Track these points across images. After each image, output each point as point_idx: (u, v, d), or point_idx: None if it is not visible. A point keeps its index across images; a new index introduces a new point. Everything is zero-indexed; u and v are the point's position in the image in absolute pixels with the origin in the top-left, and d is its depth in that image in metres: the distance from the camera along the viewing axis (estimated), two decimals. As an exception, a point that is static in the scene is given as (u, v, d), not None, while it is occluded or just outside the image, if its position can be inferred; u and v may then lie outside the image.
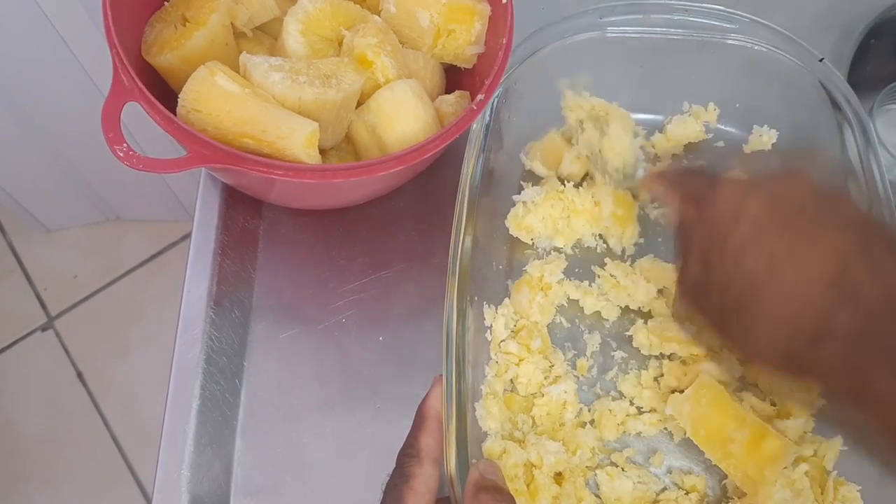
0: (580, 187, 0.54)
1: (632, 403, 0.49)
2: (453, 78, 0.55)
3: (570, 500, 0.45)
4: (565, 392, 0.48)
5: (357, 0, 0.52)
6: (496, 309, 0.50)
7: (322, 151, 0.47)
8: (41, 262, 1.39)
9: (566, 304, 0.52)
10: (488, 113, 0.51)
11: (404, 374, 0.50)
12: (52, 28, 0.90)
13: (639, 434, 0.49)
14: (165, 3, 0.49)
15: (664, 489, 0.47)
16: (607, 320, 0.52)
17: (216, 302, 0.51)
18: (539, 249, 0.54)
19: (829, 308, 0.34)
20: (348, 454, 0.48)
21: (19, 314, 1.35)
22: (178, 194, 1.29)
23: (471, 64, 0.54)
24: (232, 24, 0.49)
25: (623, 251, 0.54)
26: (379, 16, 0.51)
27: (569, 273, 0.53)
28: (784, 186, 0.38)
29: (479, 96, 0.46)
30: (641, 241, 0.54)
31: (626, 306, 0.52)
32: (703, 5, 0.54)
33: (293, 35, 0.48)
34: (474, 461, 0.41)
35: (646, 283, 0.51)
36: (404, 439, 0.41)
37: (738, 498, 0.46)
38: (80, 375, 1.31)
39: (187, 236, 1.11)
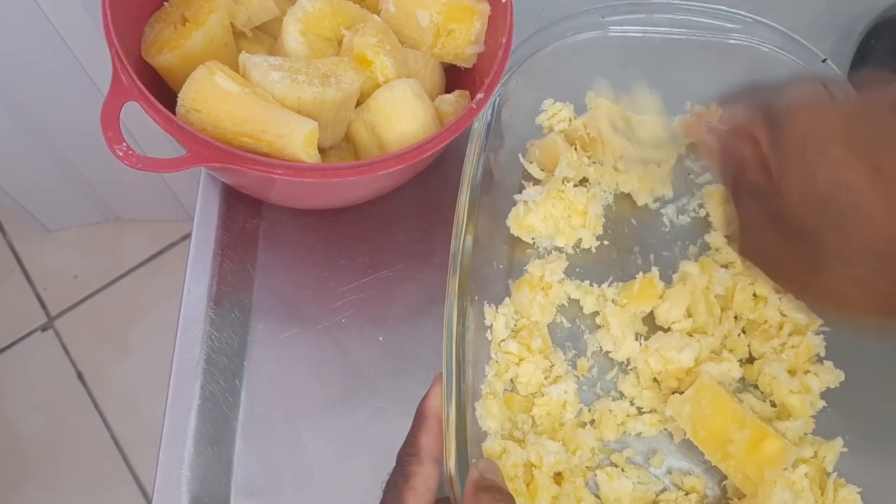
0: (581, 186, 0.53)
1: (632, 404, 0.49)
2: (453, 77, 0.55)
3: (570, 501, 0.45)
4: (565, 392, 0.48)
5: (356, 0, 0.52)
6: (496, 308, 0.50)
7: (321, 151, 0.47)
8: (41, 262, 1.39)
9: (567, 304, 0.52)
10: (490, 112, 0.51)
11: (404, 374, 0.50)
12: (52, 28, 0.90)
13: (639, 434, 0.48)
14: (165, 3, 0.49)
15: (664, 490, 0.47)
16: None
17: (216, 302, 0.51)
18: (540, 249, 0.54)
19: None
20: (348, 454, 0.48)
21: (19, 314, 1.35)
22: (178, 194, 1.29)
23: (470, 63, 0.53)
24: (231, 23, 0.48)
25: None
26: (378, 15, 0.51)
27: (569, 273, 0.53)
28: (863, 106, 0.34)
29: (479, 95, 0.46)
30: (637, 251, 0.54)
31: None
32: (706, 5, 0.54)
33: (292, 35, 0.48)
34: (474, 461, 0.41)
35: (633, 339, 0.50)
36: (404, 438, 0.41)
37: (738, 499, 0.46)
38: (80, 375, 1.31)
39: (187, 236, 1.11)
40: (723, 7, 0.54)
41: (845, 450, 0.46)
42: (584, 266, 0.54)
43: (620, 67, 0.56)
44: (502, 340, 0.49)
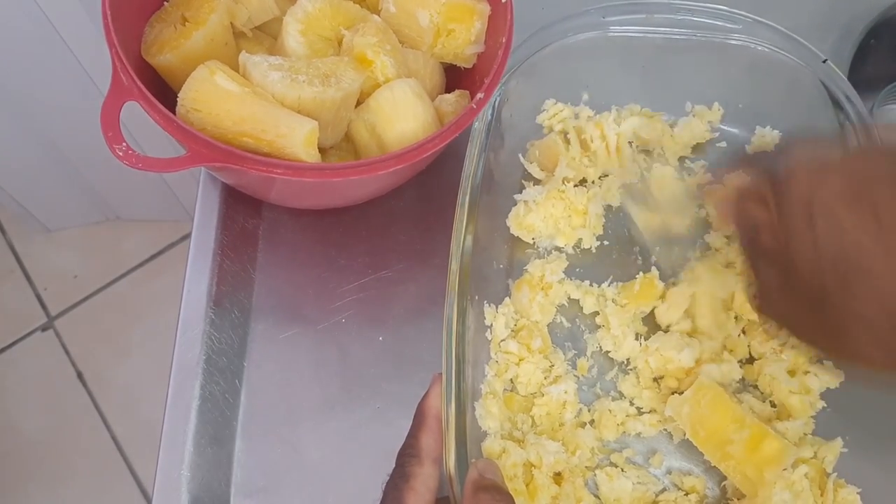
0: (582, 186, 0.53)
1: (632, 404, 0.49)
2: (453, 77, 0.55)
3: (570, 501, 0.45)
4: (565, 392, 0.48)
5: (356, 0, 0.52)
6: (496, 308, 0.50)
7: (321, 150, 0.47)
8: (41, 262, 1.39)
9: (567, 304, 0.52)
10: (490, 112, 0.51)
11: (404, 374, 0.50)
12: (52, 28, 0.90)
13: (638, 434, 0.48)
14: (165, 3, 0.49)
15: (663, 490, 0.47)
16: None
17: (216, 302, 0.51)
18: (540, 249, 0.54)
19: None
20: (348, 454, 0.48)
21: (19, 314, 1.35)
22: (178, 194, 1.29)
23: (470, 63, 0.53)
24: (231, 23, 0.48)
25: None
26: (378, 15, 0.51)
27: (569, 273, 0.53)
28: (863, 163, 0.34)
29: (479, 95, 0.46)
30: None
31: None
32: (706, 5, 0.54)
33: (293, 35, 0.48)
34: (473, 460, 0.41)
35: (633, 339, 0.50)
36: (404, 439, 0.41)
37: (738, 499, 0.46)
38: (80, 375, 1.31)
39: (187, 236, 1.11)
40: (723, 7, 0.54)
41: (845, 450, 0.46)
42: (584, 266, 0.54)
43: (621, 67, 0.56)
44: (502, 340, 0.49)
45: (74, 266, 1.39)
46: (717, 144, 0.58)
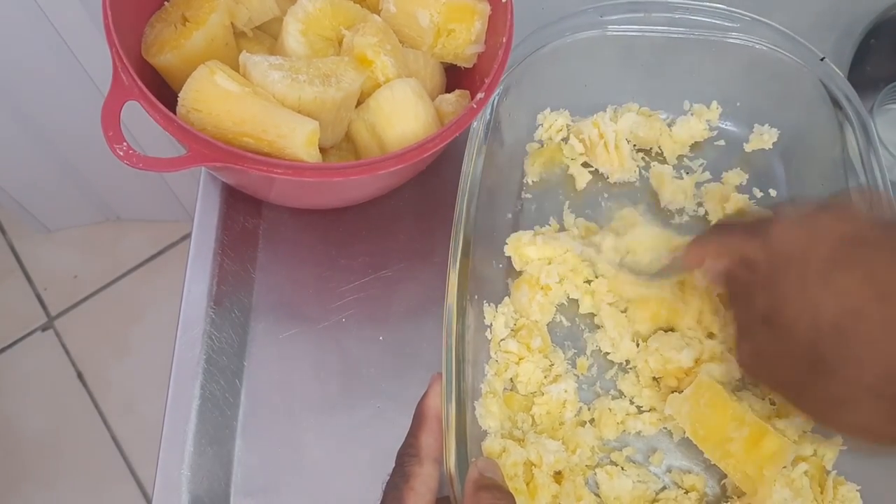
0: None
1: (632, 402, 0.49)
2: (453, 77, 0.55)
3: (570, 499, 0.45)
4: (565, 391, 0.48)
5: (357, 0, 0.52)
6: (496, 307, 0.50)
7: (322, 150, 0.47)
8: (41, 262, 1.39)
9: (566, 303, 0.52)
10: (489, 111, 0.51)
11: (404, 374, 0.50)
12: (52, 28, 0.90)
13: (638, 433, 0.48)
14: (165, 2, 0.49)
15: (664, 488, 0.47)
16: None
17: (216, 302, 0.51)
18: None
19: None
20: (348, 454, 0.48)
21: (19, 314, 1.35)
22: (178, 194, 1.29)
23: (471, 63, 0.54)
24: (232, 23, 0.48)
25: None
26: (379, 15, 0.51)
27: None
28: (852, 226, 0.34)
29: (479, 95, 0.46)
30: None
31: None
32: (705, 4, 0.54)
33: (293, 34, 0.48)
34: (474, 459, 0.41)
35: (630, 342, 0.50)
36: (404, 438, 0.41)
37: (738, 497, 0.46)
38: (80, 375, 1.31)
39: (187, 236, 1.11)
40: (722, 6, 0.54)
41: (844, 448, 0.46)
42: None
43: (619, 67, 0.56)
44: (502, 339, 0.49)
45: (74, 266, 1.39)
46: (716, 143, 0.58)
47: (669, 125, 0.57)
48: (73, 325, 1.35)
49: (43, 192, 1.25)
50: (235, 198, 0.54)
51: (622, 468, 0.47)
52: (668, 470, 0.48)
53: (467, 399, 0.44)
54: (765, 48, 0.54)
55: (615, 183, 0.56)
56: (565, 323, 0.52)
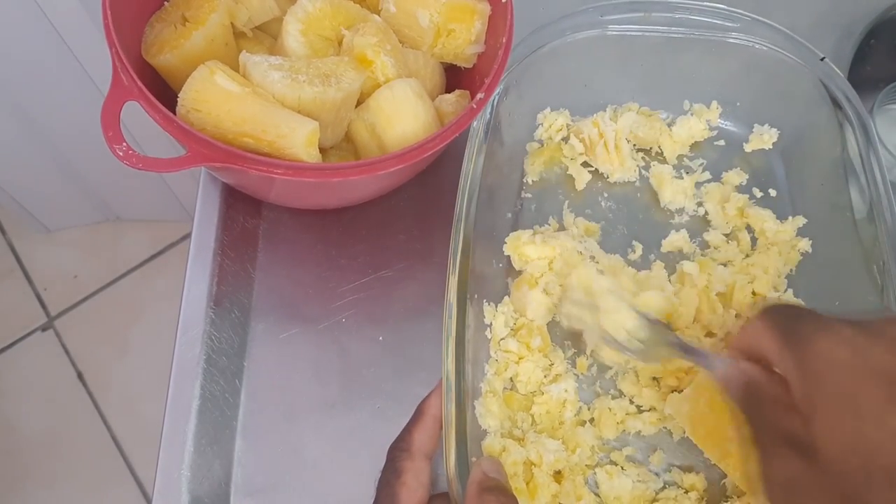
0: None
1: (631, 402, 0.49)
2: (453, 77, 0.55)
3: (570, 499, 0.45)
4: (565, 390, 0.48)
5: (357, 0, 0.52)
6: (496, 307, 0.50)
7: (322, 150, 0.47)
8: (41, 262, 1.39)
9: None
10: (489, 111, 0.51)
11: (404, 374, 0.50)
12: (52, 28, 0.90)
13: (638, 433, 0.48)
14: (165, 2, 0.49)
15: (663, 488, 0.47)
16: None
17: (216, 302, 0.51)
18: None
19: None
20: (348, 454, 0.48)
21: (19, 314, 1.35)
22: (178, 194, 1.29)
23: (471, 63, 0.54)
24: (232, 23, 0.48)
25: None
26: (379, 15, 0.51)
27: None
28: (894, 354, 0.30)
29: (479, 95, 0.46)
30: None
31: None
32: (705, 4, 0.54)
33: (293, 35, 0.48)
34: (475, 459, 0.41)
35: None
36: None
37: (738, 497, 0.46)
38: (80, 375, 1.31)
39: (187, 236, 1.11)
40: (722, 6, 0.54)
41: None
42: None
43: (619, 66, 0.56)
44: (502, 339, 0.49)
45: (74, 266, 1.39)
46: (716, 143, 0.58)
47: (669, 125, 0.57)
48: (73, 325, 1.35)
49: (43, 192, 1.25)
50: (235, 198, 0.54)
51: (622, 468, 0.47)
52: (668, 469, 0.48)
53: (467, 398, 0.44)
54: (765, 48, 0.54)
55: (615, 182, 0.56)
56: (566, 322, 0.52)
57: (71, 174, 1.20)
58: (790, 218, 0.54)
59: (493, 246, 0.52)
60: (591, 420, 0.49)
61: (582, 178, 0.56)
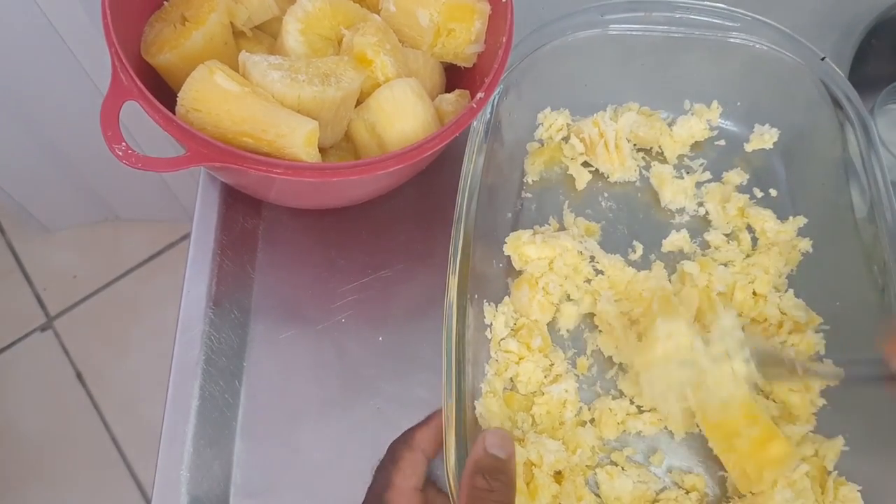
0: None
1: (632, 402, 0.49)
2: (453, 77, 0.55)
3: (570, 499, 0.45)
4: (565, 391, 0.48)
5: (357, 0, 0.52)
6: (496, 307, 0.50)
7: (321, 150, 0.47)
8: (41, 262, 1.39)
9: (567, 303, 0.52)
10: (489, 111, 0.51)
11: (404, 374, 0.50)
12: (51, 28, 0.90)
13: (639, 433, 0.48)
14: (165, 2, 0.49)
15: (664, 488, 0.47)
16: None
17: (216, 302, 0.51)
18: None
19: None
20: (348, 454, 0.48)
21: (19, 314, 1.35)
22: (177, 194, 1.29)
23: (471, 63, 0.53)
24: (231, 23, 0.48)
25: None
26: (378, 15, 0.51)
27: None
28: None
29: (479, 95, 0.46)
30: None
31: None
32: (705, 3, 0.54)
33: (292, 34, 0.48)
34: (484, 431, 0.41)
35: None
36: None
37: (738, 497, 0.46)
38: (79, 375, 1.31)
39: (187, 236, 1.10)
40: (723, 5, 0.54)
41: (846, 448, 0.46)
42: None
43: (619, 66, 0.56)
44: (502, 339, 0.49)
45: (74, 266, 1.39)
46: (716, 143, 0.58)
47: (670, 125, 0.57)
48: (73, 325, 1.35)
49: (43, 192, 1.25)
50: (235, 198, 0.54)
51: (622, 468, 0.47)
52: (669, 470, 0.48)
53: (467, 398, 0.44)
54: (765, 48, 0.54)
55: (615, 182, 0.56)
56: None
57: (70, 174, 1.20)
58: (791, 218, 0.54)
59: (493, 246, 0.52)
60: (592, 420, 0.49)
61: (582, 178, 0.56)
